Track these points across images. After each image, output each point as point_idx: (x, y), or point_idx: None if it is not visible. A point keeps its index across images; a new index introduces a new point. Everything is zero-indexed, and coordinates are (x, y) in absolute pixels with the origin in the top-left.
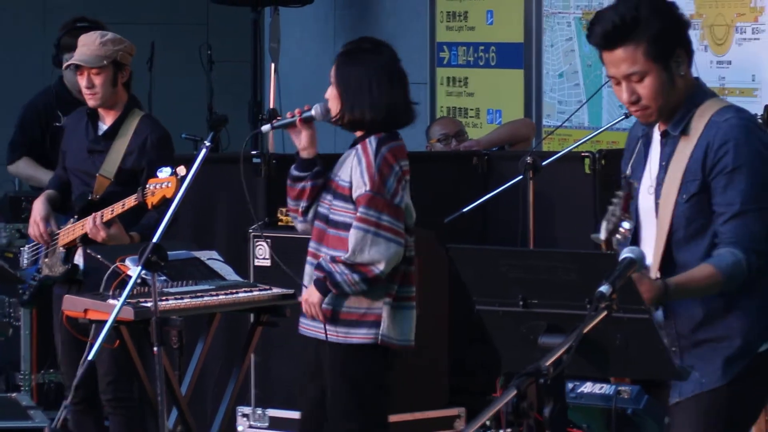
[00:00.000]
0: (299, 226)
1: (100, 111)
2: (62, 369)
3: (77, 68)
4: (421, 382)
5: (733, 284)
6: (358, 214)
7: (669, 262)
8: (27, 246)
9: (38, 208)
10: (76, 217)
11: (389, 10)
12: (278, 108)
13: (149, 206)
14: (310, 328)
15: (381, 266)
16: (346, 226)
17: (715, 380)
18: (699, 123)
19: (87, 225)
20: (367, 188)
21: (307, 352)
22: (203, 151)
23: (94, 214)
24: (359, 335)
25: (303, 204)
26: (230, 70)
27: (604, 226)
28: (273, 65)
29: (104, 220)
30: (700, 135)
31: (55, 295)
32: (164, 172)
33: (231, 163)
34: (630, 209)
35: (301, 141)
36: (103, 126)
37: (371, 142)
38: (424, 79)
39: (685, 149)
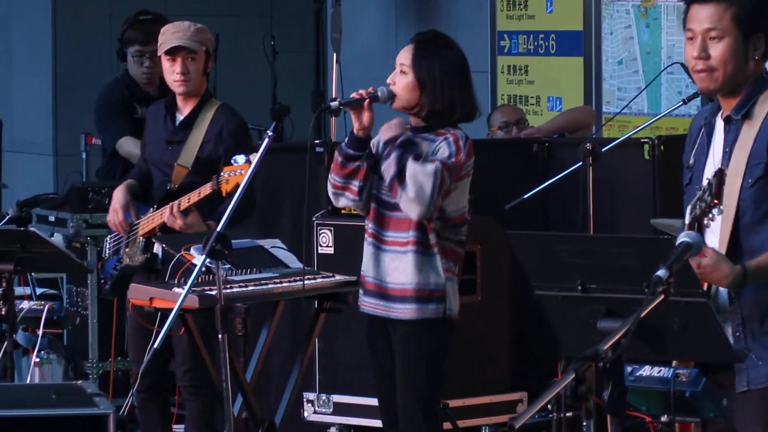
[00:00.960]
0: (344, 202)
1: (179, 101)
2: (131, 357)
3: (170, 54)
4: (483, 367)
5: None
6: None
7: (736, 247)
8: (109, 237)
9: (118, 196)
10: (155, 206)
11: (451, 0)
12: (341, 97)
13: (223, 194)
14: (376, 306)
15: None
16: None
17: None
18: (762, 108)
19: (165, 214)
20: (453, 160)
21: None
22: (266, 140)
23: (171, 203)
24: (430, 311)
25: (358, 183)
26: (293, 60)
27: (689, 210)
28: (335, 55)
29: (181, 208)
30: (764, 119)
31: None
32: (239, 160)
33: (295, 152)
34: (721, 196)
35: (362, 121)
36: (180, 116)
37: (461, 136)
38: (484, 68)
39: (748, 133)
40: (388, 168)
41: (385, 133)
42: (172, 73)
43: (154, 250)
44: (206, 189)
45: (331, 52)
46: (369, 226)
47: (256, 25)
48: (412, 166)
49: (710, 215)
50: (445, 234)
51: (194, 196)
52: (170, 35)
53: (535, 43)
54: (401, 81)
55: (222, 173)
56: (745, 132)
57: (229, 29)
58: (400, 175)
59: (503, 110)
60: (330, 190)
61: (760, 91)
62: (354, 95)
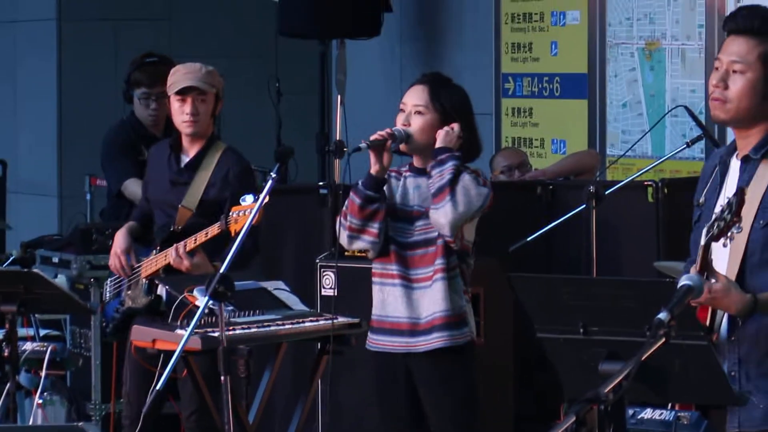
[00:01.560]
0: (360, 245)
1: (185, 142)
2: (129, 399)
3: (181, 94)
4: (486, 409)
5: None
6: None
7: (741, 286)
8: (109, 279)
9: (119, 240)
10: (158, 248)
11: (455, 42)
12: (345, 139)
13: (232, 233)
14: (405, 344)
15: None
16: (427, 242)
17: None
18: None
19: (170, 255)
20: None
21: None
22: (270, 182)
23: (176, 244)
24: (461, 336)
25: (378, 225)
26: (298, 102)
27: (705, 231)
28: (339, 97)
29: (187, 249)
30: None
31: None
32: (247, 200)
33: (298, 193)
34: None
35: (383, 161)
36: (185, 158)
37: (481, 172)
38: (489, 110)
39: (764, 174)
40: (443, 174)
41: (440, 141)
42: (181, 113)
43: (158, 292)
44: (214, 229)
45: (335, 95)
46: (392, 268)
47: (261, 67)
48: (468, 180)
49: (730, 234)
50: (464, 259)
51: (201, 237)
52: (181, 75)
53: (540, 86)
54: (418, 121)
55: (231, 213)
56: (761, 172)
57: (234, 71)
58: (453, 183)
59: (505, 154)
60: (344, 233)
61: None
62: (376, 136)
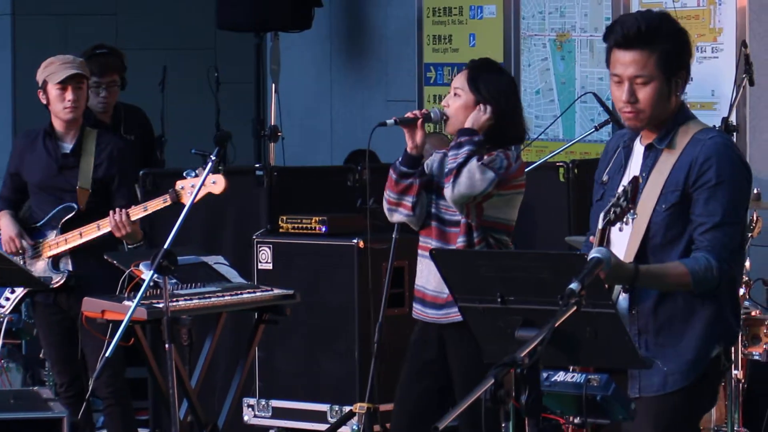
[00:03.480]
0: (398, 217)
1: (60, 129)
2: (56, 369)
3: (64, 83)
4: None
5: (701, 288)
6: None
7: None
8: None
9: (10, 226)
10: (59, 228)
11: (381, 35)
12: (278, 125)
13: (185, 203)
14: (436, 316)
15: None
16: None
17: (677, 382)
18: (683, 139)
19: (110, 223)
20: (503, 172)
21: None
22: (209, 164)
23: (117, 211)
24: None
25: (411, 199)
26: (236, 90)
27: (602, 216)
28: (274, 86)
29: (132, 218)
30: (683, 150)
31: (39, 303)
32: (191, 175)
33: (237, 175)
34: (636, 202)
35: (415, 139)
36: (65, 144)
37: (513, 155)
38: (412, 97)
39: (667, 161)
40: (457, 156)
41: (469, 120)
42: (62, 101)
43: (62, 269)
44: (158, 203)
45: (270, 83)
46: (431, 242)
47: (201, 58)
48: (474, 164)
49: (625, 219)
50: (489, 233)
51: (138, 211)
52: (60, 66)
53: None
54: (455, 103)
55: (179, 187)
56: (663, 159)
57: (177, 62)
58: (460, 168)
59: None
60: (385, 206)
61: (681, 122)
62: (409, 115)
